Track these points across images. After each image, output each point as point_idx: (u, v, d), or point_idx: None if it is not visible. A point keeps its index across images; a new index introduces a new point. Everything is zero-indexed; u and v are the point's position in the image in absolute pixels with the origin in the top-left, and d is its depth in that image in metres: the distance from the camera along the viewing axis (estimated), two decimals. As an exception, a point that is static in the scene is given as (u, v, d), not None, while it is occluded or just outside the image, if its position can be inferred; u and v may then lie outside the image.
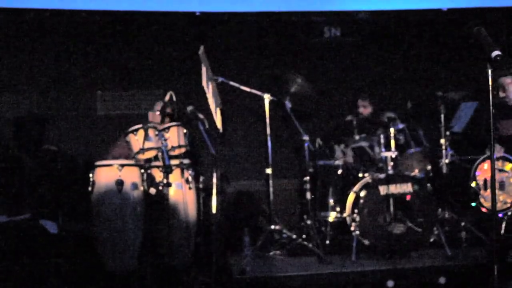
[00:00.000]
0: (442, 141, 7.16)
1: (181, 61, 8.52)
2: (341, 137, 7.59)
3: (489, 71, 3.84)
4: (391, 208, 6.61)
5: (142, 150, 6.16)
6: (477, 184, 6.52)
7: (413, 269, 6.23)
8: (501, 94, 6.97)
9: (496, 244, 4.30)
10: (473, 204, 6.53)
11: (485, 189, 6.57)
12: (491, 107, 3.82)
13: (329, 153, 7.41)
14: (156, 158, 6.36)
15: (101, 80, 8.49)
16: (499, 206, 6.63)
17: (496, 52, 3.78)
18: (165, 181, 6.06)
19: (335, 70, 8.93)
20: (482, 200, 6.57)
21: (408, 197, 6.60)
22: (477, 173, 6.59)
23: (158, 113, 6.88)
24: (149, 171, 6.34)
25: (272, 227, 6.81)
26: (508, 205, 6.73)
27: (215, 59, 7.27)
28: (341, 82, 8.90)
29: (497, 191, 6.56)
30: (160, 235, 6.25)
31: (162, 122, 6.49)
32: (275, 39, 8.85)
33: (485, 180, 6.55)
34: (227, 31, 8.76)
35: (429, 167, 7.22)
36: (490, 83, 3.82)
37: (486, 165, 6.61)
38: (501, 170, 6.72)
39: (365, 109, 7.80)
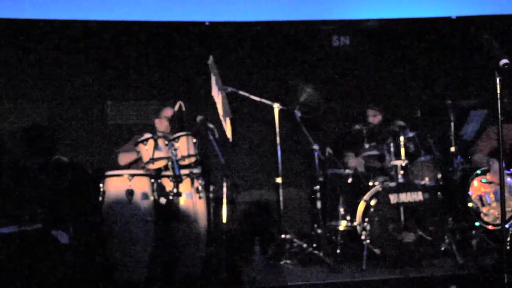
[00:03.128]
0: (452, 149, 7.16)
1: (190, 71, 8.54)
2: (350, 145, 7.59)
3: (497, 80, 3.85)
4: (402, 217, 6.60)
5: (152, 160, 6.17)
6: (473, 203, 6.54)
7: (424, 278, 6.20)
8: (505, 100, 6.97)
9: (505, 254, 4.30)
10: (477, 223, 6.54)
11: (483, 205, 6.59)
12: (499, 115, 3.82)
13: (339, 162, 7.40)
14: (166, 167, 6.36)
15: (111, 90, 8.53)
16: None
17: (504, 61, 3.80)
18: (175, 190, 6.08)
19: (345, 79, 8.93)
20: (485, 218, 6.58)
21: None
22: (470, 193, 6.60)
23: (165, 119, 6.92)
24: (159, 180, 6.34)
25: (283, 236, 6.83)
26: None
27: (224, 68, 7.28)
28: (350, 90, 8.89)
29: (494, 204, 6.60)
30: (170, 245, 6.25)
31: (172, 130, 6.52)
32: (284, 49, 8.86)
33: (480, 196, 6.58)
34: (236, 40, 8.78)
35: (439, 176, 7.22)
36: (498, 91, 3.82)
37: (476, 183, 6.64)
38: (490, 183, 6.70)
39: (375, 118, 7.76)
